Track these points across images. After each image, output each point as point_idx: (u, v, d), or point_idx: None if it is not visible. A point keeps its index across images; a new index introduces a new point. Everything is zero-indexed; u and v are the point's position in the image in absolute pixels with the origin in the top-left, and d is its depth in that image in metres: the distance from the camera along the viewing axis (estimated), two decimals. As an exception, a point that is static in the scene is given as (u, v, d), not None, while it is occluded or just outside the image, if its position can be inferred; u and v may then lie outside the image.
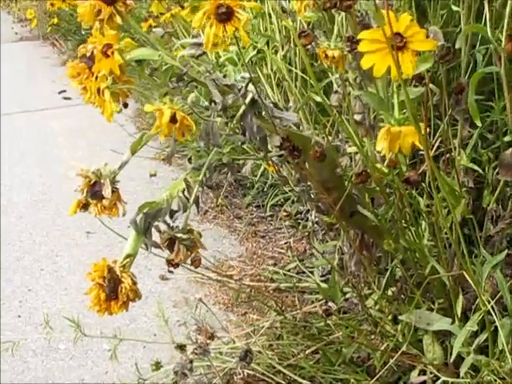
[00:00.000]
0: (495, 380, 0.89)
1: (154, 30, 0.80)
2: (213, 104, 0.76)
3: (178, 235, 0.77)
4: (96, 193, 0.77)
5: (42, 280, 1.65)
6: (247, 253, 1.71)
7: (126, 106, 0.92)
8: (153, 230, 0.79)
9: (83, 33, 3.78)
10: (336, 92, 1.01)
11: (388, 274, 1.12)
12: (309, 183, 0.99)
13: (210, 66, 0.76)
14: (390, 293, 1.16)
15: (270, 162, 1.12)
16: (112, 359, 1.15)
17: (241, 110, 0.78)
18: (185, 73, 0.74)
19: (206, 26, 0.69)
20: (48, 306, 1.53)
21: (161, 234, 0.78)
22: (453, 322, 0.97)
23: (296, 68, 1.58)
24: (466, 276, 0.85)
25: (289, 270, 1.57)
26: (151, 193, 2.11)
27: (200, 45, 0.73)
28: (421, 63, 0.66)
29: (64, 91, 3.30)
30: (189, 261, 0.97)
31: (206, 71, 0.75)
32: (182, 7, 1.96)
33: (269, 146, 0.83)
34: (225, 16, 0.70)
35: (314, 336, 1.19)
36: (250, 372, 1.15)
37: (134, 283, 0.74)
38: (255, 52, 1.67)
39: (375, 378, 1.03)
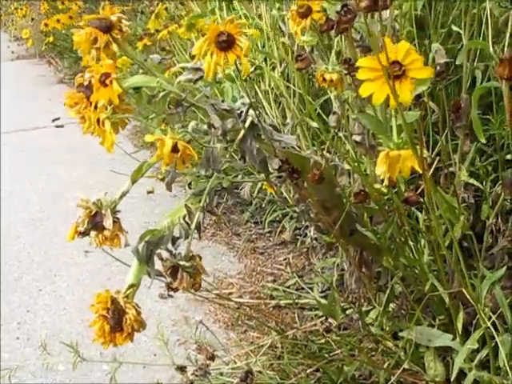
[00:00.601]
0: (498, 396, 0.88)
1: (151, 56, 0.79)
2: (212, 129, 0.75)
3: (181, 263, 0.76)
4: (97, 224, 0.76)
5: (41, 300, 1.64)
6: (246, 270, 1.71)
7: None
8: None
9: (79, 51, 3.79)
10: (335, 113, 1.01)
11: (388, 290, 1.12)
12: (308, 202, 0.99)
13: (207, 90, 0.76)
14: (390, 309, 1.15)
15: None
16: (112, 381, 1.14)
17: (240, 134, 0.77)
18: (183, 98, 0.73)
19: (206, 53, 0.69)
20: (47, 326, 1.52)
21: (163, 262, 0.76)
22: (454, 338, 0.96)
23: (294, 85, 1.58)
24: (466, 293, 0.85)
25: (288, 287, 1.57)
26: (150, 210, 2.11)
27: (198, 69, 0.73)
28: (417, 86, 0.66)
29: (58, 119, 3.29)
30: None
31: (205, 96, 0.75)
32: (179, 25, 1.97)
33: (269, 168, 0.83)
34: (226, 44, 0.69)
35: (315, 354, 1.19)
36: (251, 392, 1.14)
37: (139, 313, 0.73)
38: (253, 68, 1.67)
39: (377, 396, 1.03)
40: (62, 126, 3.15)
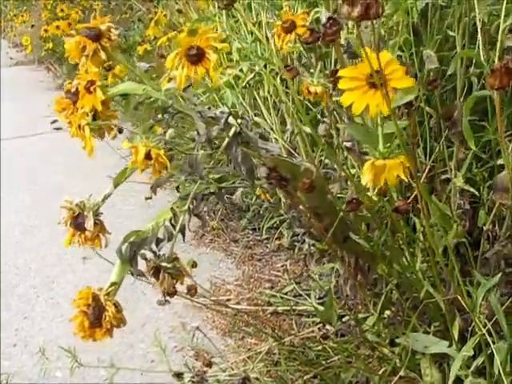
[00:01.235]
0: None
1: (138, 64, 0.81)
2: (197, 136, 0.78)
3: (163, 264, 0.78)
4: (79, 224, 0.79)
5: (39, 307, 1.64)
6: (244, 276, 1.71)
7: (120, 131, 0.93)
8: (140, 258, 0.80)
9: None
10: (323, 122, 1.02)
11: (383, 297, 1.12)
12: (300, 209, 0.99)
13: (195, 99, 0.77)
14: (385, 316, 1.15)
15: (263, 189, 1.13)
16: (109, 387, 1.14)
17: (225, 142, 0.79)
18: (170, 105, 0.76)
19: (177, 67, 0.72)
20: (44, 333, 1.52)
21: (147, 263, 0.79)
22: (450, 345, 0.96)
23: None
24: (461, 301, 0.85)
25: (286, 293, 1.57)
26: (149, 216, 2.11)
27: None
28: (404, 95, 0.66)
29: (56, 121, 3.30)
30: (185, 289, 0.98)
31: (191, 103, 0.76)
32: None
33: (257, 175, 0.84)
34: (195, 57, 0.72)
35: (312, 361, 1.19)
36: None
37: (118, 311, 0.75)
38: (252, 75, 1.68)
39: (374, 403, 1.03)
40: (60, 129, 3.17)
